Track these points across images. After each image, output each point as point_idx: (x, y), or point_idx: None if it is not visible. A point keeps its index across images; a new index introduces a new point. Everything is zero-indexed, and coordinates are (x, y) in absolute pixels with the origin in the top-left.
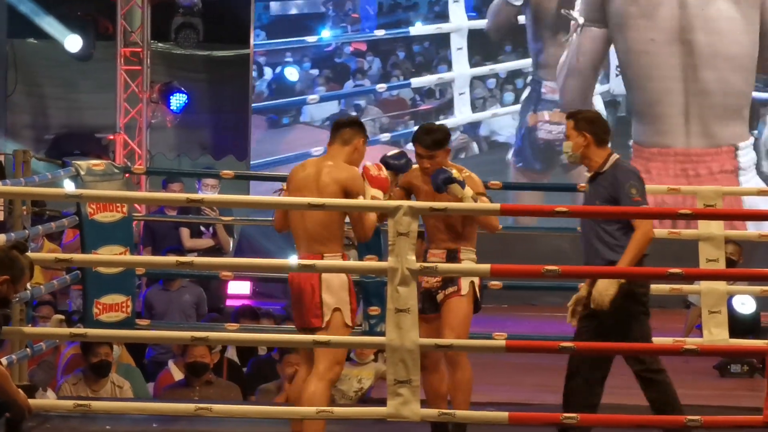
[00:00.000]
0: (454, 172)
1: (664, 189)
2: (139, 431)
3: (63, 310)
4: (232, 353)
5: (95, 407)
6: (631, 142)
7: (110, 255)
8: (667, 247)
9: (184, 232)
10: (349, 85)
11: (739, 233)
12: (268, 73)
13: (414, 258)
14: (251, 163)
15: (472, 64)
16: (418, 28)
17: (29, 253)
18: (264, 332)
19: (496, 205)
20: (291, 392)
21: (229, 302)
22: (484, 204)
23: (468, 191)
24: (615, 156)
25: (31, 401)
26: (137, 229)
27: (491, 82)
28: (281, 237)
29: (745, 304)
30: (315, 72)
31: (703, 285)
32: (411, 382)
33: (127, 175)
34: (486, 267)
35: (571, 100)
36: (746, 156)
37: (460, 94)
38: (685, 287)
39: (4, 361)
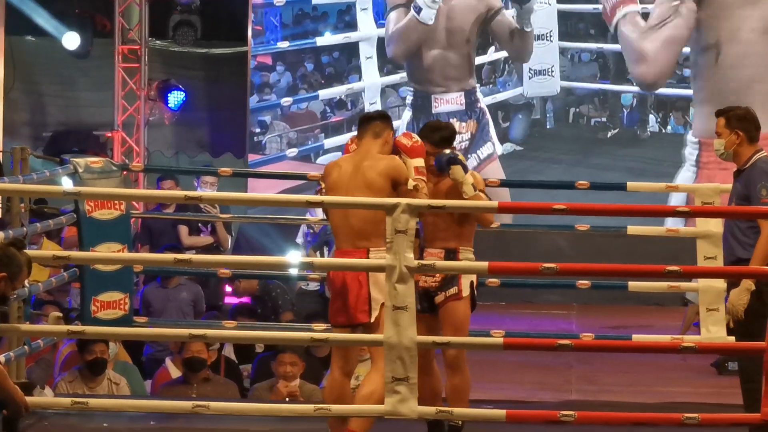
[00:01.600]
0: (459, 156)
1: (662, 186)
2: (137, 429)
3: (63, 307)
4: (229, 351)
5: (93, 405)
6: (696, 138)
7: (108, 252)
8: (665, 245)
9: (183, 229)
10: (253, 100)
11: None
12: None
13: (412, 256)
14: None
15: (384, 73)
16: (326, 39)
17: (27, 250)
18: (262, 330)
19: (494, 203)
20: (327, 393)
21: (227, 300)
22: (481, 201)
23: (469, 177)
24: (760, 154)
25: (28, 399)
26: (135, 227)
27: (403, 91)
28: (279, 234)
29: None
30: None
31: (701, 283)
32: (409, 380)
33: (125, 172)
34: (484, 264)
35: (657, 72)
36: None
37: (371, 104)
38: (683, 285)
39: (1, 358)
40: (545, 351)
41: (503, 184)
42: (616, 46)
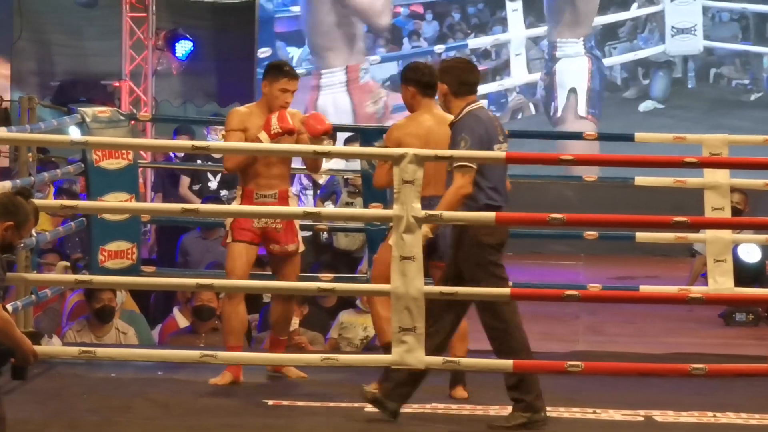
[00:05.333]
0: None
1: (670, 138)
2: (144, 378)
3: (65, 256)
4: None
5: (100, 354)
6: None
7: (115, 202)
8: (672, 196)
9: (184, 180)
10: (406, 47)
11: (744, 182)
12: None
13: (419, 205)
14: None
15: (527, 26)
16: None
17: (34, 200)
18: (270, 279)
19: (502, 153)
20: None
21: None
22: (487, 152)
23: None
24: (472, 106)
25: (36, 348)
26: (145, 176)
27: (544, 45)
28: None
29: (750, 253)
30: (372, 34)
31: (709, 233)
32: (416, 330)
33: (132, 122)
34: (491, 215)
35: None
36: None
37: (516, 55)
38: (691, 236)
39: (9, 307)
40: (552, 302)
41: (511, 135)
42: (760, 7)
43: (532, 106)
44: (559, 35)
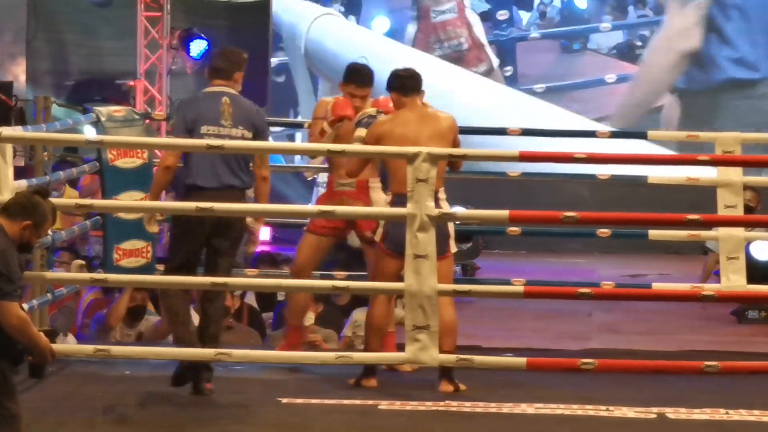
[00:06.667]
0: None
1: (683, 135)
2: (159, 376)
3: (83, 256)
4: (251, 299)
5: (115, 352)
6: None
7: (131, 201)
8: (685, 194)
9: None
10: (631, 16)
11: (757, 179)
12: (557, 0)
13: (433, 204)
14: None
15: None
16: None
17: (51, 199)
18: (283, 278)
19: (515, 151)
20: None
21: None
22: (504, 151)
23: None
24: (207, 89)
25: (52, 346)
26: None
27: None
28: (300, 183)
29: (762, 251)
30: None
31: (722, 231)
32: (429, 328)
33: (147, 121)
34: (504, 213)
35: None
36: None
37: None
38: (703, 233)
39: (25, 306)
40: (566, 299)
41: (524, 133)
42: None
43: None
44: None
